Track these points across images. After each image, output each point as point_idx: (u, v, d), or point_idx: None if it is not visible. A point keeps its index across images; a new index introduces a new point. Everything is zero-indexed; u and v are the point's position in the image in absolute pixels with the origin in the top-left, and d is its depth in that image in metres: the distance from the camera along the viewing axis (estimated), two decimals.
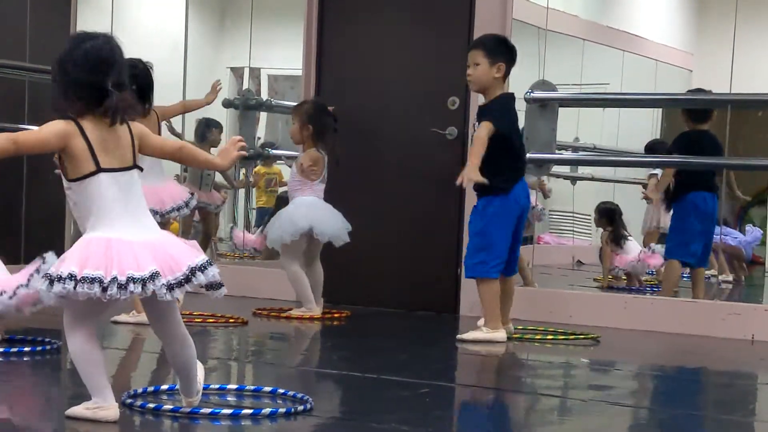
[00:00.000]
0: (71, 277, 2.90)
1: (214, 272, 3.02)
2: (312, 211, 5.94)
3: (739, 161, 7.31)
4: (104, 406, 3.04)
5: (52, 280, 2.93)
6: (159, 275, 2.94)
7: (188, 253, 3.04)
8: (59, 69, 3.06)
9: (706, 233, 6.51)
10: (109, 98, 3.02)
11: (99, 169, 3.01)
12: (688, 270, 6.68)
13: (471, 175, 4.94)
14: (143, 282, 2.92)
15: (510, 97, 5.35)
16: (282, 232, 5.92)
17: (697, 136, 6.44)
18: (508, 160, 5.20)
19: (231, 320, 5.60)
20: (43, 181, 6.21)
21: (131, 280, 2.91)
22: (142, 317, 5.34)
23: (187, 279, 2.98)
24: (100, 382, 3.04)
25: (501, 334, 5.23)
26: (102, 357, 3.07)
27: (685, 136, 6.51)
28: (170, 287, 2.96)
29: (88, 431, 3.00)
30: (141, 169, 3.13)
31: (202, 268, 3.00)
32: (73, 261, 2.95)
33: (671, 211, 6.62)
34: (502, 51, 5.26)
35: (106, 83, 3.03)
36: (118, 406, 3.08)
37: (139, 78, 5.46)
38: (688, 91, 7.05)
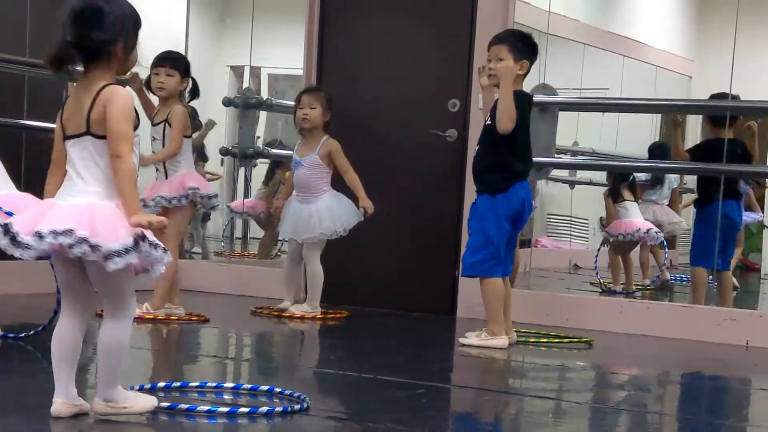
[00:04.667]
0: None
1: (83, 249, 2.80)
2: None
3: (743, 168, 7.32)
4: (55, 400, 3.03)
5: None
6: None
7: (69, 219, 2.85)
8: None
9: (732, 239, 6.54)
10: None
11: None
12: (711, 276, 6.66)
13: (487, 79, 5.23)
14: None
15: (529, 98, 5.24)
16: (336, 227, 5.88)
17: (715, 143, 6.42)
18: (511, 158, 5.11)
19: (194, 317, 5.51)
20: (42, 170, 6.19)
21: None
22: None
23: (40, 236, 2.82)
24: (57, 375, 3.03)
25: (500, 341, 5.10)
26: (68, 350, 3.00)
27: (704, 144, 6.51)
28: (40, 236, 2.83)
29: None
30: (97, 137, 2.94)
31: (67, 233, 2.82)
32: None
33: (694, 214, 6.60)
34: (527, 48, 5.16)
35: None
36: (62, 402, 3.01)
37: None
38: (711, 96, 6.91)
